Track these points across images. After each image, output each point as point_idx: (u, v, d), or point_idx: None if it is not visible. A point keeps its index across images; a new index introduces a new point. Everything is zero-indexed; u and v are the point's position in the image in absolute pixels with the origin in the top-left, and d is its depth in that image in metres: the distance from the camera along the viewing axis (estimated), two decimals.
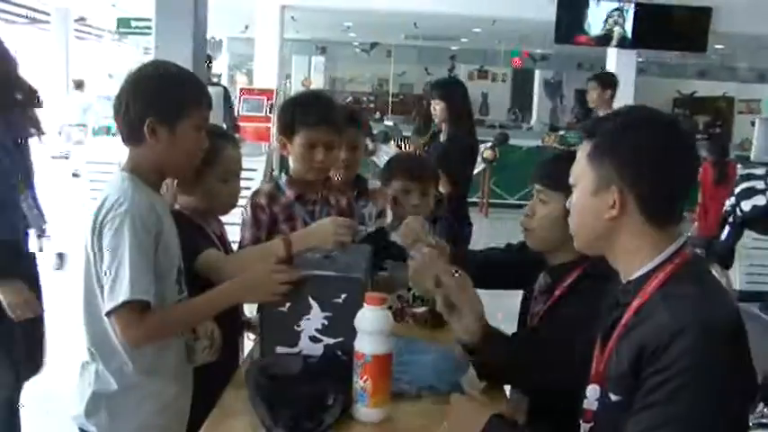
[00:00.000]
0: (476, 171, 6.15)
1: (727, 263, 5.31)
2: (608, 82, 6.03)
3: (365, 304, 1.65)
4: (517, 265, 2.26)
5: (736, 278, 6.33)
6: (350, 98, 19.99)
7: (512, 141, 11.44)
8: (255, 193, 2.46)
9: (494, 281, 2.36)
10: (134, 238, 1.70)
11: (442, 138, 4.54)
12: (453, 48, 17.80)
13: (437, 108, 4.46)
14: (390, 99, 17.48)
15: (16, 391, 2.78)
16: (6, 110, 2.58)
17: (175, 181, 2.07)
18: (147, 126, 1.76)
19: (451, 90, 4.62)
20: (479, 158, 7.98)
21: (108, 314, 1.70)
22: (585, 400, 1.52)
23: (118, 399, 1.79)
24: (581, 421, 1.54)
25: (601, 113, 5.84)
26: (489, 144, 10.23)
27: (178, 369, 1.87)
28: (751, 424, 2.75)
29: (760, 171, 4.87)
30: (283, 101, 2.60)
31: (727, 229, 5.05)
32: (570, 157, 1.59)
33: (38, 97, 2.70)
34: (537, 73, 18.84)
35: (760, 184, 4.72)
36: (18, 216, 2.61)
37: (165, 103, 1.78)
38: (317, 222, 2.18)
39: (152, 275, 1.72)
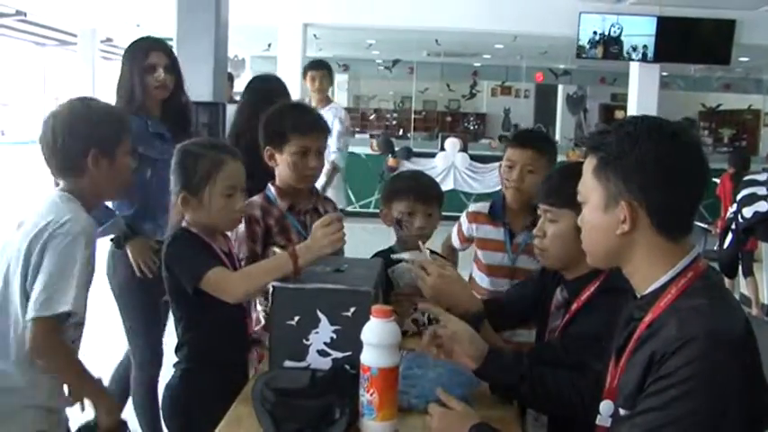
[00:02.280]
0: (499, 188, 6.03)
1: (730, 272, 5.20)
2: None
3: (371, 316, 1.63)
4: (538, 293, 2.21)
5: (765, 292, 6.23)
6: (373, 115, 20.08)
7: None
8: (248, 206, 2.36)
9: (523, 317, 2.33)
10: (83, 258, 1.87)
11: None
12: (476, 64, 17.80)
13: None
14: (413, 116, 17.50)
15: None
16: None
17: (180, 198, 2.06)
18: (92, 157, 1.95)
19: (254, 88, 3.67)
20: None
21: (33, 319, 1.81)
22: (599, 417, 1.50)
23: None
24: None
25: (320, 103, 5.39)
26: None
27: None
28: None
29: (762, 177, 4.80)
30: (269, 112, 2.51)
31: (729, 236, 4.96)
32: (571, 172, 1.56)
33: None
34: (560, 88, 18.76)
35: (761, 190, 4.65)
36: None
37: (104, 136, 1.98)
38: (310, 236, 2.02)
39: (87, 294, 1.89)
